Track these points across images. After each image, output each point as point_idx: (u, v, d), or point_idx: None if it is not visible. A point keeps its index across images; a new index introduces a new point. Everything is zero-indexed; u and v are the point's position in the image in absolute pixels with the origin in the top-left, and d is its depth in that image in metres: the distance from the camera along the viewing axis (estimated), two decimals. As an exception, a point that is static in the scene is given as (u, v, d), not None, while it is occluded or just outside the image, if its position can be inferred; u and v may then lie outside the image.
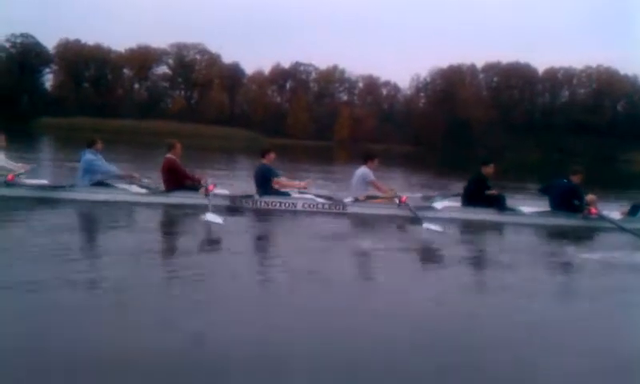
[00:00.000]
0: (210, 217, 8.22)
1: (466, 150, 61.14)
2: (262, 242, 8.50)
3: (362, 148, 35.08)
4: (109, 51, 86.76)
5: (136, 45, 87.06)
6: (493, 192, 10.87)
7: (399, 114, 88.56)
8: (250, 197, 10.57)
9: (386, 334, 4.57)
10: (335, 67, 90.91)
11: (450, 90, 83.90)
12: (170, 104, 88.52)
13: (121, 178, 10.80)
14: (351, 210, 10.60)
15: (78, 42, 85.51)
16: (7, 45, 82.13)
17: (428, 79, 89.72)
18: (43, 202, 9.60)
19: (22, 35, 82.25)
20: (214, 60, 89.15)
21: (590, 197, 10.74)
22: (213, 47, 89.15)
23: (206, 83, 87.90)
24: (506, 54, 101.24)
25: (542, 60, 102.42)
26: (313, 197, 10.81)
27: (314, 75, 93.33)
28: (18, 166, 10.62)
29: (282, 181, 11.11)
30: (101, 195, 10.16)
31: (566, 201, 10.62)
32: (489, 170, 11.21)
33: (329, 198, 10.91)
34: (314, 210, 10.51)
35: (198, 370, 3.70)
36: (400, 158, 42.73)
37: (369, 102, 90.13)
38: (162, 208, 9.98)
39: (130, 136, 47.43)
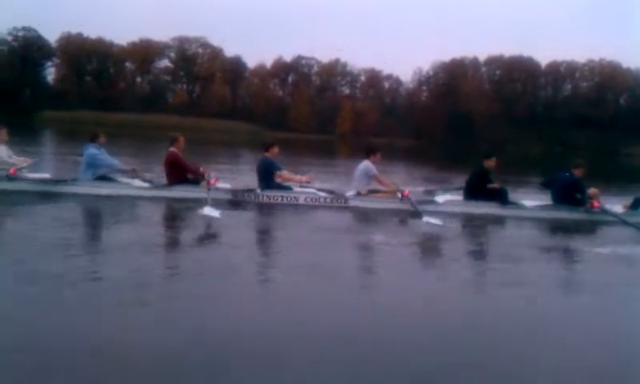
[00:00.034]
0: (208, 211, 8.24)
1: (467, 143, 61.07)
2: (262, 235, 8.51)
3: (363, 142, 35.02)
4: (111, 45, 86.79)
5: (138, 38, 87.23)
6: (495, 185, 10.87)
7: (401, 107, 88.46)
8: (251, 191, 10.58)
9: (386, 324, 4.58)
10: (337, 60, 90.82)
11: (453, 83, 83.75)
12: (171, 98, 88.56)
13: (124, 171, 10.81)
14: (353, 203, 10.60)
15: (80, 35, 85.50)
16: (9, 38, 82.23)
17: (430, 73, 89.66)
18: (45, 196, 9.60)
19: (24, 29, 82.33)
20: (216, 53, 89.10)
21: (592, 190, 10.73)
22: (215, 41, 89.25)
23: (208, 77, 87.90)
24: (508, 48, 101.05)
25: (544, 54, 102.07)
26: (315, 191, 10.80)
27: (316, 69, 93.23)
28: (20, 160, 10.62)
29: (285, 174, 11.10)
30: (103, 189, 10.17)
31: (568, 194, 10.61)
32: (491, 163, 11.21)
33: (331, 192, 10.91)
34: (316, 203, 10.51)
35: (199, 364, 3.71)
36: (402, 151, 42.68)
37: (371, 96, 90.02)
38: (164, 202, 9.99)
39: (132, 130, 47.46)
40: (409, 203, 10.22)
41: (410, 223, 9.52)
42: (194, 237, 7.73)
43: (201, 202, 8.75)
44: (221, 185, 10.53)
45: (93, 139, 10.72)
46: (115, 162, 10.89)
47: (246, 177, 13.44)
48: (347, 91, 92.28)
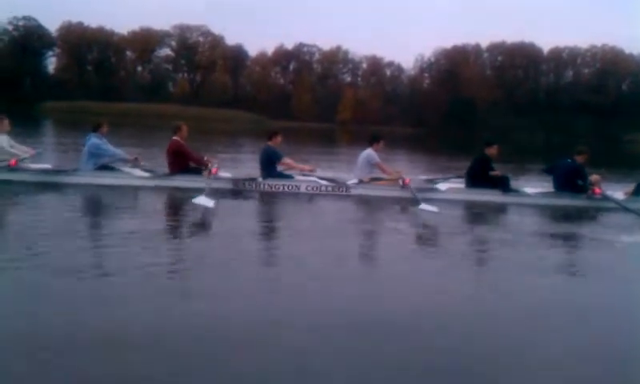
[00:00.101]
0: (201, 200, 8.24)
1: (469, 130, 60.91)
2: (262, 224, 8.53)
3: (365, 130, 34.97)
4: (112, 34, 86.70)
5: (139, 27, 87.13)
6: (497, 173, 10.86)
7: (403, 95, 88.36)
8: (253, 180, 10.58)
9: (385, 308, 4.61)
10: (339, 48, 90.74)
11: (454, 69, 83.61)
12: (173, 87, 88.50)
13: (127, 161, 10.81)
14: (355, 191, 10.61)
15: (80, 24, 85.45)
16: (10, 27, 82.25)
17: (432, 59, 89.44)
18: (47, 186, 9.62)
19: (24, 18, 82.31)
20: (217, 42, 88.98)
21: (594, 177, 10.74)
22: (216, 29, 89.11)
23: (210, 65, 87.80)
24: (510, 34, 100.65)
25: (546, 39, 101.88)
26: (316, 179, 10.81)
27: (317, 56, 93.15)
28: (22, 150, 10.61)
29: (288, 162, 11.07)
30: (104, 179, 10.18)
31: (569, 181, 10.60)
32: (492, 150, 11.20)
33: (332, 180, 10.92)
34: (318, 192, 10.53)
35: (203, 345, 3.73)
36: (403, 139, 42.58)
37: (372, 83, 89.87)
38: (166, 191, 10.00)
39: (134, 119, 47.40)
40: (409, 191, 10.24)
41: (410, 211, 9.52)
42: (190, 227, 7.74)
43: (203, 191, 8.73)
44: (222, 174, 10.53)
45: (95, 129, 10.72)
46: (118, 151, 10.87)
47: (248, 166, 13.43)
48: (349, 79, 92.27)
